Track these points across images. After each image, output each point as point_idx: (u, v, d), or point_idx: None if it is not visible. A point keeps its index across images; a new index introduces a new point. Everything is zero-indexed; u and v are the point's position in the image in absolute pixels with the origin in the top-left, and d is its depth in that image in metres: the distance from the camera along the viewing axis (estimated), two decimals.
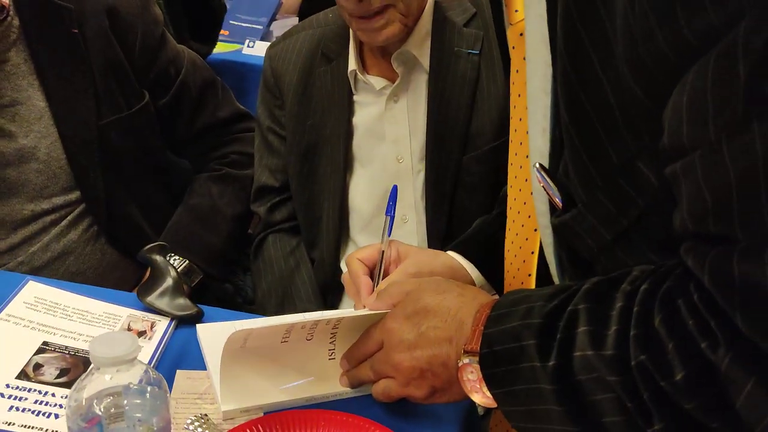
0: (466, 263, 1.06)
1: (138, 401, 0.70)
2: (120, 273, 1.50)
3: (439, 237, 1.35)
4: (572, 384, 0.68)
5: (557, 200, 0.73)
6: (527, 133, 0.82)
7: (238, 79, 2.66)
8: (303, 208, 1.48)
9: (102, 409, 0.68)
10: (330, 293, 1.49)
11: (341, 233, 1.45)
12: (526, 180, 0.84)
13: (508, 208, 0.90)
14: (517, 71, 0.82)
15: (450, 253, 1.07)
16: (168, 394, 0.72)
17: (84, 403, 0.68)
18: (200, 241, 1.46)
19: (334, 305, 1.50)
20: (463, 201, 1.35)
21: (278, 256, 1.51)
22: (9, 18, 1.32)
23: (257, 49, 2.84)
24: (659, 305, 0.63)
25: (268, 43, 2.89)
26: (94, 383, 0.69)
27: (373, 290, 0.99)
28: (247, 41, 2.87)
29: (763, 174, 0.53)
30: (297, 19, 3.28)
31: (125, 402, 0.68)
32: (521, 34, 0.79)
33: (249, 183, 1.57)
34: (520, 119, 0.84)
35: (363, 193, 1.42)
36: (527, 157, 0.84)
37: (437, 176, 1.34)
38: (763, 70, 0.52)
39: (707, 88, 0.55)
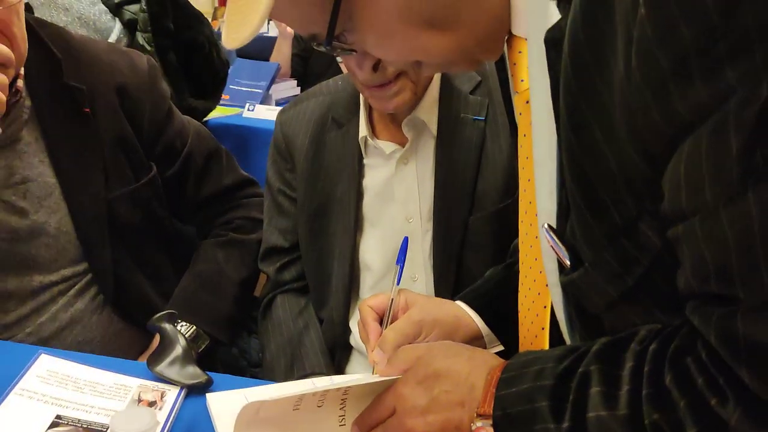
0: (472, 312, 1.08)
1: None
2: (126, 341, 1.49)
3: (447, 296, 1.35)
4: None
5: (565, 260, 0.74)
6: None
7: (240, 142, 2.69)
8: (312, 267, 1.49)
9: None
10: (338, 352, 1.48)
11: (351, 292, 1.45)
12: (536, 237, 0.85)
13: (520, 263, 0.91)
14: (525, 135, 0.83)
15: (457, 302, 1.10)
16: None
17: None
18: (207, 307, 1.45)
19: (342, 365, 1.49)
20: (470, 260, 1.36)
21: (287, 317, 1.51)
22: (21, 99, 1.33)
23: (257, 113, 2.90)
24: (669, 364, 0.65)
25: (268, 107, 2.98)
26: None
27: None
28: (248, 105, 2.93)
29: (760, 237, 0.55)
30: (294, 81, 3.35)
31: None
32: (527, 102, 0.81)
33: (254, 247, 1.57)
34: (529, 180, 0.85)
35: (374, 253, 1.43)
36: (536, 215, 0.85)
37: (444, 235, 1.36)
38: (753, 141, 0.54)
39: (702, 159, 0.57)
